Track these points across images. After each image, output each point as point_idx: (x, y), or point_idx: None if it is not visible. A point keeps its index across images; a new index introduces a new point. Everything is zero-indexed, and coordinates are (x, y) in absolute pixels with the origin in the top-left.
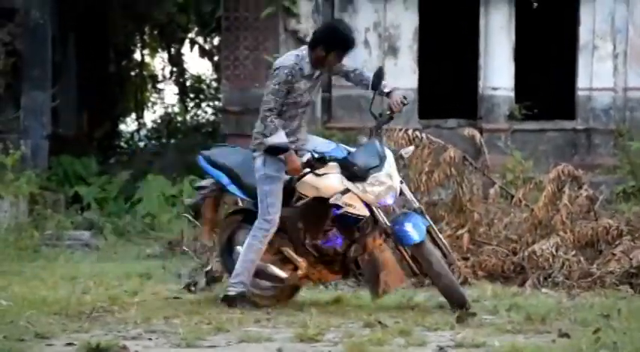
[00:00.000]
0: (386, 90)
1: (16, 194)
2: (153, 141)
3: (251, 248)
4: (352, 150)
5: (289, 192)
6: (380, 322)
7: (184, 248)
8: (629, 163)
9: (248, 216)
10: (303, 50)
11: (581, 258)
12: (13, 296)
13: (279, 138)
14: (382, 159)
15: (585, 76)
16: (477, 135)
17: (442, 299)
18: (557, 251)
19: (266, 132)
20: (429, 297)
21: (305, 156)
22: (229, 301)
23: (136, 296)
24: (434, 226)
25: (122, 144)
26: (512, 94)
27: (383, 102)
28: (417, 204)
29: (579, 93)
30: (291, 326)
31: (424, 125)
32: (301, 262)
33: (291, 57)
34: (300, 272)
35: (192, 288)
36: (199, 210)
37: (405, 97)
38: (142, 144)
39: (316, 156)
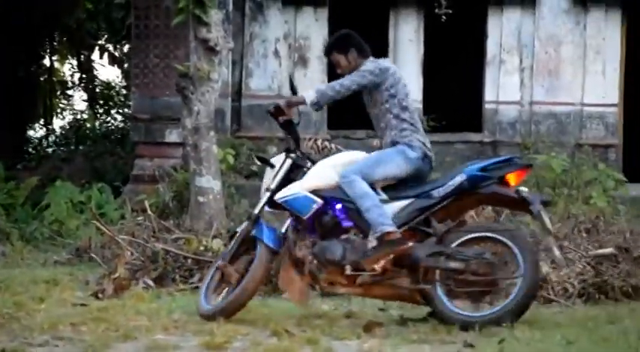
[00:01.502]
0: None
1: None
2: (62, 148)
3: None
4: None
5: None
6: (287, 331)
7: (92, 254)
8: (534, 176)
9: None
10: None
11: None
12: None
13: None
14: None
15: (492, 89)
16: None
17: (351, 307)
18: None
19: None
20: (336, 306)
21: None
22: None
23: (42, 302)
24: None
25: (30, 149)
26: (420, 106)
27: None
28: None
29: (486, 106)
30: (199, 334)
31: (333, 135)
32: None
33: None
34: None
35: (100, 295)
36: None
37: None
38: (50, 150)
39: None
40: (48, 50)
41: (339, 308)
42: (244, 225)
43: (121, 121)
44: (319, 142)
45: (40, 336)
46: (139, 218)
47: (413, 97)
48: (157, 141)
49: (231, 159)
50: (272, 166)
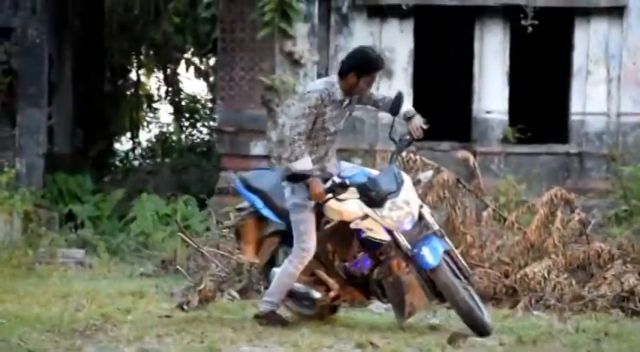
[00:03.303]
0: (408, 115)
1: (10, 212)
2: (147, 160)
3: (286, 272)
4: (375, 173)
5: (318, 215)
6: (371, 342)
7: (177, 267)
8: (622, 187)
9: (286, 237)
10: (334, 77)
11: (573, 281)
12: (6, 314)
13: (304, 163)
14: (399, 184)
15: (579, 100)
16: (471, 157)
17: (434, 320)
18: (549, 274)
19: (291, 157)
20: (421, 318)
21: (329, 181)
22: (259, 318)
23: (128, 314)
24: (454, 249)
25: (117, 162)
26: (506, 118)
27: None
28: (436, 227)
29: (572, 117)
30: (283, 345)
31: (418, 147)
32: (333, 283)
33: (321, 82)
34: (332, 293)
35: (185, 307)
36: (239, 231)
37: (425, 122)
38: (136, 162)
39: (337, 181)
40: (135, 64)
41: (423, 320)
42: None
43: (206, 134)
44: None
45: (126, 347)
46: (224, 230)
47: (498, 108)
48: (242, 153)
49: None
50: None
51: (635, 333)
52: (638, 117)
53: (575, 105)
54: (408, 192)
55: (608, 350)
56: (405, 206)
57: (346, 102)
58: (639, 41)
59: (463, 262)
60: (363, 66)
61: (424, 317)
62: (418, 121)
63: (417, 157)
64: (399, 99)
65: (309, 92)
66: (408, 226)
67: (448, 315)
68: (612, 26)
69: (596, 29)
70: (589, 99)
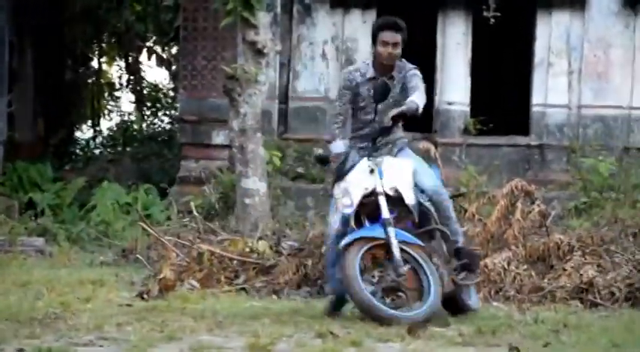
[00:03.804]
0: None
1: None
2: (109, 149)
3: None
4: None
5: None
6: (332, 332)
7: (138, 256)
8: (582, 180)
9: None
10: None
11: (533, 273)
12: None
13: (336, 146)
14: (348, 169)
15: (540, 92)
16: (432, 148)
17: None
18: (508, 265)
19: (329, 139)
20: None
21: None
22: None
23: (88, 302)
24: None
25: (78, 151)
26: (467, 109)
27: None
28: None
29: (534, 109)
30: (244, 335)
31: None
32: None
33: (358, 62)
34: None
35: (145, 296)
36: None
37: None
38: (97, 151)
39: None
40: (96, 52)
41: None
42: (389, 231)
43: (168, 123)
44: None
45: (86, 336)
46: (185, 219)
47: (460, 100)
48: (204, 142)
49: (277, 161)
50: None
51: (593, 324)
52: (599, 109)
53: (537, 97)
54: (354, 178)
55: (567, 341)
56: (345, 192)
57: (380, 80)
58: (600, 33)
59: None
60: (374, 31)
61: None
62: (395, 110)
63: None
64: (382, 87)
65: (343, 72)
66: (346, 210)
67: None
68: (574, 18)
69: (558, 21)
70: (550, 91)
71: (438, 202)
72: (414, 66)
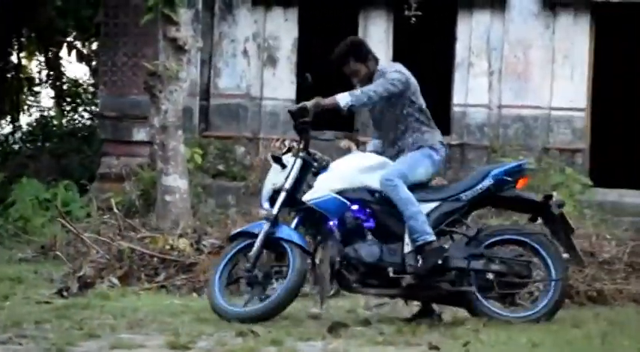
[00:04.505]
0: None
1: None
2: (28, 144)
3: None
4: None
5: None
6: (252, 331)
7: (57, 252)
8: None
9: None
10: None
11: None
12: None
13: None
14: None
15: (461, 92)
16: (354, 147)
17: (314, 310)
18: None
19: None
20: (301, 308)
21: None
22: None
23: (6, 300)
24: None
25: None
26: None
27: None
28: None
29: (454, 109)
30: (163, 333)
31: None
32: None
33: None
34: None
35: (65, 293)
36: None
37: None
38: (16, 146)
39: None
40: (16, 46)
41: (304, 310)
42: (264, 226)
43: (88, 119)
44: (287, 143)
45: (4, 334)
46: (105, 216)
47: None
48: (124, 139)
49: (198, 159)
50: (284, 167)
51: (513, 323)
52: (519, 109)
53: (457, 96)
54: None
55: (487, 340)
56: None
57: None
58: (521, 34)
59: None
60: None
61: (304, 307)
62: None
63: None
64: (305, 80)
65: None
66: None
67: (329, 305)
68: (494, 19)
69: (479, 21)
70: (471, 91)
71: (390, 197)
72: (391, 67)
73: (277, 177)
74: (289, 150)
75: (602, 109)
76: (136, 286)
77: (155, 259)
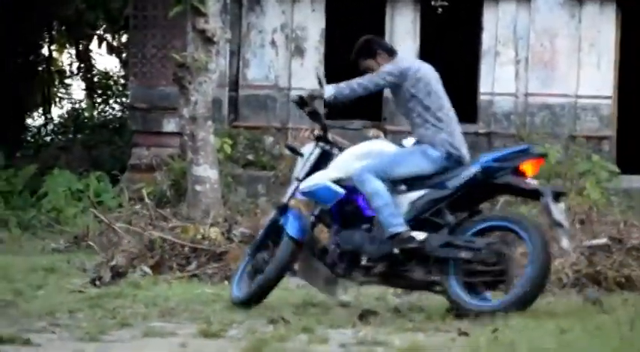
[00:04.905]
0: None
1: None
2: (60, 136)
3: None
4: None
5: None
6: (283, 319)
7: (89, 242)
8: None
9: None
10: None
11: None
12: None
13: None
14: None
15: (487, 81)
16: (381, 135)
17: (345, 298)
18: None
19: None
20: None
21: None
22: None
23: (40, 289)
24: None
25: (29, 138)
26: None
27: None
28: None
29: (481, 97)
30: (195, 321)
31: (329, 126)
32: None
33: None
34: None
35: (97, 283)
36: None
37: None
38: (48, 138)
39: None
40: (47, 39)
41: (334, 298)
42: (272, 214)
43: (118, 110)
44: (315, 132)
45: (38, 323)
46: (137, 206)
47: None
48: (155, 130)
49: (228, 149)
50: (301, 155)
51: (541, 310)
52: (545, 97)
53: (484, 85)
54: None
55: (516, 326)
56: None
57: None
58: (547, 23)
59: None
60: None
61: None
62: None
63: (329, 135)
64: (319, 81)
65: None
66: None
67: (359, 293)
68: (520, 8)
69: (505, 11)
70: (497, 80)
71: (362, 191)
72: (397, 62)
73: (298, 168)
74: (317, 139)
75: (628, 97)
76: (168, 275)
77: (186, 248)
